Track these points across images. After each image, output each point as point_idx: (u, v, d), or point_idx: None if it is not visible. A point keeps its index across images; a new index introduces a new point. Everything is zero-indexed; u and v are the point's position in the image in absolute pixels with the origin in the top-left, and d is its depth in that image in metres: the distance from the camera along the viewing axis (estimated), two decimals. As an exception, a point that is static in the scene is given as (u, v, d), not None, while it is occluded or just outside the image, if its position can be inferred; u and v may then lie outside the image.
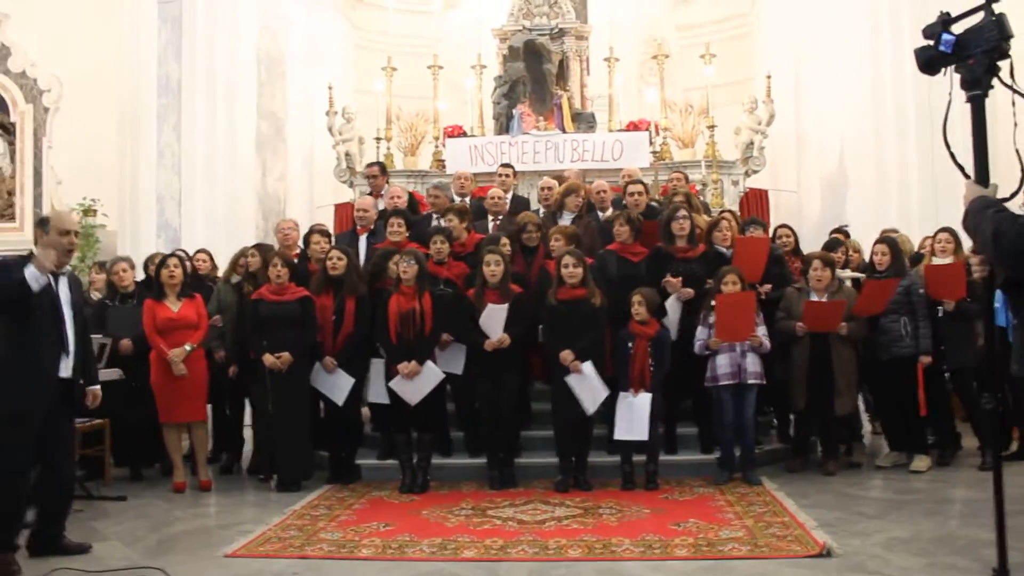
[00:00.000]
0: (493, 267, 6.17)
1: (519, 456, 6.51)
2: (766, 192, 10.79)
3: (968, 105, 2.62)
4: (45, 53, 12.21)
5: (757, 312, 6.18)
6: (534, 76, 10.11)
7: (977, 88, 2.52)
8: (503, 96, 10.24)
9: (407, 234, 7.02)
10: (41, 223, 4.72)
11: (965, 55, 2.54)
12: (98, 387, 5.14)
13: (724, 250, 6.70)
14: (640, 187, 7.55)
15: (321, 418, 6.73)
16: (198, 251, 7.84)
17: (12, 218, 12.34)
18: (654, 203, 7.99)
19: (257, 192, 11.60)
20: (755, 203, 10.38)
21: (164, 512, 5.83)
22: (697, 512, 5.33)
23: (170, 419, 6.48)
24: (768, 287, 6.60)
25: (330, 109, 10.79)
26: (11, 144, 12.54)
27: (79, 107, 12.01)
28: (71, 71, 12.04)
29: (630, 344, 6.06)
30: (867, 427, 7.42)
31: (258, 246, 7.10)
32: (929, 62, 2.71)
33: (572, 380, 5.96)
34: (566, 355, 5.95)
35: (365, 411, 7.07)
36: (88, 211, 11.49)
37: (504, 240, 6.63)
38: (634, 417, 6.00)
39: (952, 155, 2.69)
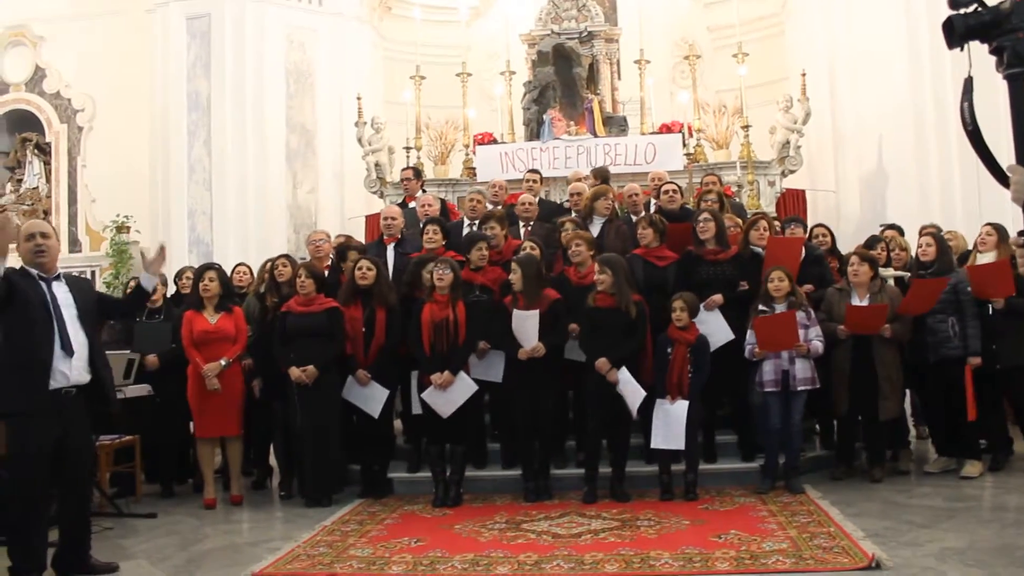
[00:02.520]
0: (511, 274, 6.05)
1: (561, 467, 6.33)
2: (803, 192, 10.56)
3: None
4: (79, 73, 12.41)
5: (808, 315, 5.96)
6: (564, 80, 9.98)
7: (1020, 66, 2.32)
8: (533, 102, 10.13)
9: (443, 242, 6.92)
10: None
11: (1010, 27, 2.34)
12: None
13: (761, 250, 6.51)
14: (674, 186, 7.39)
15: (352, 431, 6.63)
16: (238, 264, 7.78)
17: (48, 237, 12.44)
18: (688, 207, 7.81)
19: (288, 205, 11.61)
20: (792, 204, 10.14)
21: (193, 529, 5.75)
22: (739, 523, 5.13)
23: (204, 434, 6.40)
24: (809, 287, 6.40)
25: (359, 120, 10.75)
26: (47, 164, 12.72)
27: (112, 125, 12.17)
28: (104, 90, 12.23)
29: (669, 350, 5.89)
30: (913, 432, 7.16)
31: (287, 257, 7.01)
32: (970, 31, 2.47)
33: (618, 387, 5.81)
34: (602, 363, 5.79)
35: (397, 423, 6.97)
36: (121, 228, 11.62)
37: (529, 245, 6.49)
38: (671, 425, 5.82)
39: (978, 144, 2.45)
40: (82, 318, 4.67)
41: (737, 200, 8.65)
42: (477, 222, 7.27)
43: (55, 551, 4.65)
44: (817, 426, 6.98)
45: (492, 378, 6.23)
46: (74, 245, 12.33)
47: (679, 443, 5.81)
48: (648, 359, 6.03)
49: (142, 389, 6.38)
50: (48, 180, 12.68)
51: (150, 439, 6.79)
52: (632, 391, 5.80)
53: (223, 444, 6.52)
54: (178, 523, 5.93)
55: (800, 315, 5.87)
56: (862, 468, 6.29)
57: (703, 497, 5.82)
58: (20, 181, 12.83)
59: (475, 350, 6.19)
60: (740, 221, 7.08)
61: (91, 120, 12.42)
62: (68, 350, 4.55)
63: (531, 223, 7.60)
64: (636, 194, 7.72)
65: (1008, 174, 2.35)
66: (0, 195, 12.75)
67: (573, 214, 7.71)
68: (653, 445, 5.91)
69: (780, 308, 5.91)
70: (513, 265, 6.09)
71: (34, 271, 4.60)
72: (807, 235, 7.08)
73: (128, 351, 6.30)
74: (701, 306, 6.18)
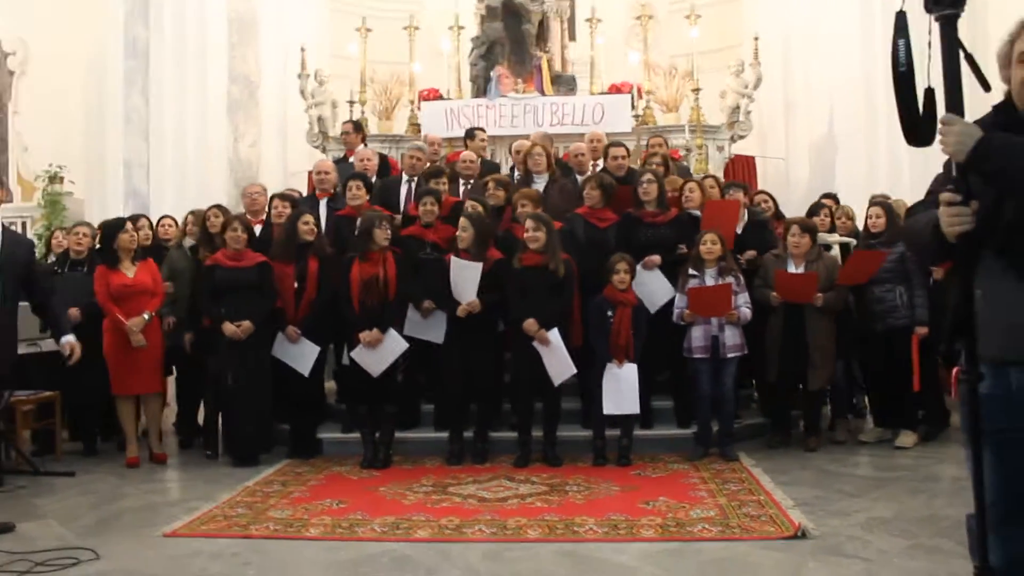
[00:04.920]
0: (460, 231, 5.87)
1: (497, 430, 6.19)
2: (753, 159, 10.46)
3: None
4: (10, 15, 11.79)
5: (739, 283, 5.88)
6: (513, 37, 9.71)
7: (952, 7, 2.16)
8: (480, 58, 9.86)
9: (367, 198, 6.72)
10: None
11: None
12: (71, 337, 4.92)
13: (698, 213, 6.41)
14: (623, 150, 7.25)
15: (283, 390, 6.43)
16: (163, 217, 7.51)
17: (-26, 186, 11.97)
18: (635, 169, 7.67)
19: (229, 158, 11.25)
20: (742, 170, 10.03)
21: (112, 488, 5.54)
22: (669, 490, 5.05)
23: (124, 391, 6.17)
24: (751, 253, 6.32)
25: (302, 72, 10.40)
26: (-24, 110, 12.17)
27: (45, 71, 11.62)
28: (37, 33, 11.64)
29: (610, 313, 5.76)
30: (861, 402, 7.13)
31: (219, 207, 6.75)
32: None
33: (540, 350, 5.66)
34: (530, 324, 5.64)
35: (331, 384, 6.79)
36: (54, 178, 11.16)
37: (474, 204, 6.30)
38: (623, 389, 5.71)
39: (906, 88, 2.26)
40: (3, 279, 4.42)
41: (684, 164, 8.51)
42: (424, 177, 7.04)
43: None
44: (756, 393, 6.94)
45: (433, 338, 6.05)
46: (5, 195, 11.83)
47: (633, 407, 5.72)
48: (576, 322, 5.92)
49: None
50: (-22, 126, 12.13)
51: (72, 396, 6.53)
52: (559, 356, 5.66)
53: (143, 401, 6.28)
54: (97, 482, 5.72)
55: (731, 281, 5.77)
56: (799, 437, 6.25)
57: (636, 463, 5.74)
58: (-53, 127, 12.27)
59: (418, 308, 6.02)
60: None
61: (23, 64, 11.85)
62: None
63: (471, 181, 7.43)
64: (582, 153, 7.54)
65: (940, 124, 2.20)
66: (-75, 140, 12.18)
67: (517, 175, 7.55)
68: (606, 411, 5.76)
69: (711, 272, 5.81)
70: (463, 221, 5.89)
71: None
72: (750, 201, 6.98)
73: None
74: (639, 266, 6.08)
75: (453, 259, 5.81)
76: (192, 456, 6.52)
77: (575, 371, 5.76)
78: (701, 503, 4.74)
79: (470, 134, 8.19)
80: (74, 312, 6.22)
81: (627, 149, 7.43)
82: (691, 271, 5.83)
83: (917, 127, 2.29)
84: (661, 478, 5.41)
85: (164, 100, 10.62)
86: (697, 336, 5.78)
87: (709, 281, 5.76)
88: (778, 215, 7.03)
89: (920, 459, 5.73)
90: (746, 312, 5.80)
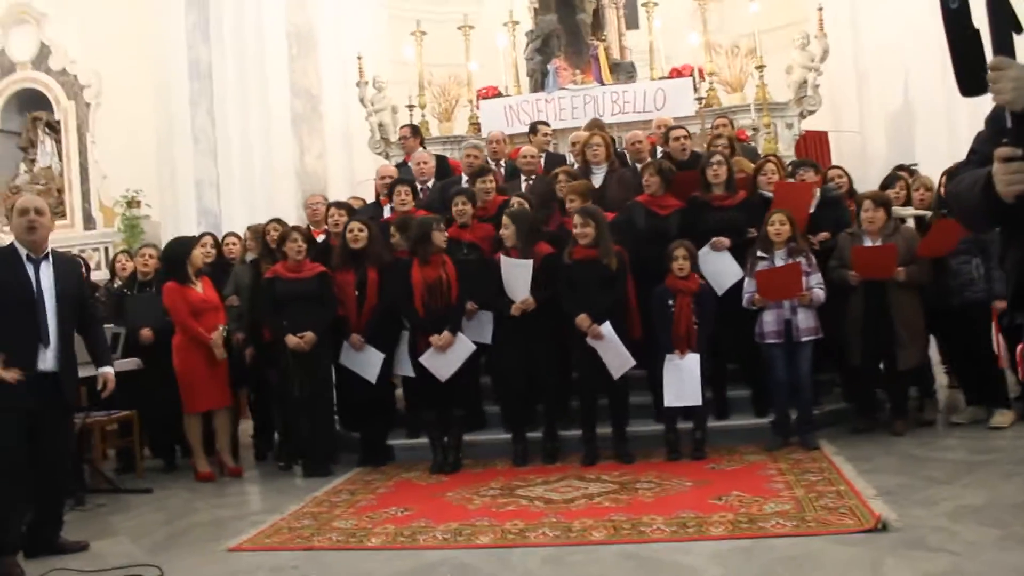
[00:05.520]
0: (503, 229, 5.75)
1: (566, 428, 6.03)
2: (825, 134, 10.04)
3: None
4: (83, 48, 12.17)
5: (810, 263, 5.61)
6: (568, 28, 9.54)
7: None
8: (536, 51, 9.72)
9: (412, 203, 6.67)
10: (9, 210, 4.43)
11: None
12: (109, 370, 4.88)
13: (770, 195, 6.14)
14: (683, 131, 7.03)
15: (352, 398, 6.42)
16: (227, 234, 7.60)
17: (63, 215, 12.38)
18: (700, 153, 7.43)
19: (296, 171, 11.34)
20: (814, 146, 9.65)
21: (184, 504, 5.59)
22: (743, 483, 4.82)
23: (195, 408, 6.23)
24: (825, 235, 6.03)
25: (360, 80, 10.44)
26: (58, 142, 12.59)
27: (118, 100, 11.94)
28: (109, 64, 11.98)
29: (670, 302, 5.57)
30: (942, 381, 6.76)
31: (278, 221, 6.77)
32: None
33: (595, 345, 5.50)
34: (582, 319, 5.49)
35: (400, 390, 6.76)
36: (132, 203, 11.45)
37: (517, 200, 6.17)
38: (684, 380, 5.51)
39: (960, 29, 2.01)
40: (61, 304, 4.47)
41: (751, 144, 8.21)
42: (471, 177, 6.96)
43: (25, 531, 4.50)
44: (839, 377, 6.62)
45: (481, 339, 5.96)
46: (88, 222, 12.18)
47: (695, 398, 5.51)
48: (634, 313, 5.73)
49: (131, 363, 6.19)
50: (60, 158, 12.55)
51: (148, 413, 6.65)
52: (615, 350, 5.49)
53: (213, 416, 6.32)
54: (171, 498, 5.79)
55: (801, 261, 5.51)
56: (885, 421, 5.93)
57: (712, 456, 5.54)
58: (34, 161, 12.72)
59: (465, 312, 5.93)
60: (752, 166, 6.70)
61: (98, 96, 12.20)
62: (45, 340, 4.38)
63: (532, 177, 7.30)
64: (639, 141, 7.34)
65: (990, 71, 1.96)
66: (15, 176, 12.65)
67: (576, 167, 7.39)
68: (667, 403, 5.60)
69: (780, 254, 5.55)
70: (504, 219, 5.80)
71: (23, 251, 4.40)
72: (823, 179, 6.66)
73: (113, 325, 6.11)
74: (707, 246, 5.87)
75: (503, 258, 5.70)
76: (266, 469, 6.57)
77: (634, 363, 5.58)
78: (776, 496, 4.51)
79: (533, 129, 8.07)
80: (146, 333, 6.33)
81: (687, 131, 7.19)
82: (759, 253, 5.59)
83: (974, 73, 2.05)
84: (736, 471, 5.18)
85: (229, 119, 10.77)
86: (769, 321, 5.53)
87: (778, 263, 5.52)
88: (851, 192, 6.69)
89: (1017, 440, 5.36)
90: (819, 293, 5.53)
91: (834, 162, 9.14)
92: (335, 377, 6.31)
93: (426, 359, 5.76)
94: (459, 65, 10.70)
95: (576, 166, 7.35)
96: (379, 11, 12.38)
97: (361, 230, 6.20)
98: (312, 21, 11.60)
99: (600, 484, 5.11)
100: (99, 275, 9.42)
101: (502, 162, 7.90)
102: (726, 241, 5.92)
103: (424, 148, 8.60)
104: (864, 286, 5.63)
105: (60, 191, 12.41)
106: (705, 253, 5.95)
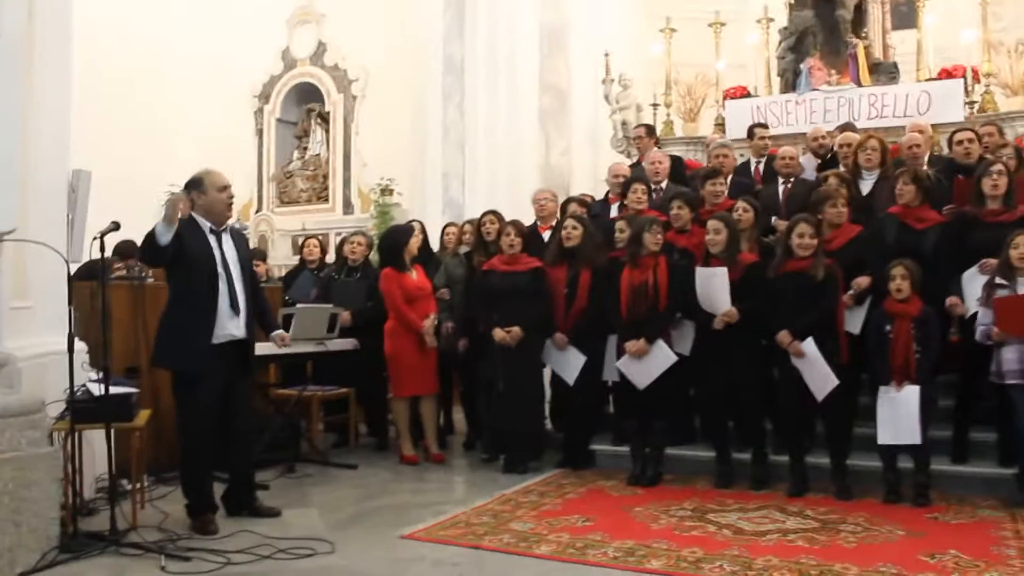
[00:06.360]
0: (713, 234, 5.40)
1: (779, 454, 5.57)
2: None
3: None
4: (354, 46, 13.02)
5: None
6: (825, 25, 8.87)
7: None
8: (789, 50, 9.13)
9: (647, 203, 6.42)
10: (194, 184, 4.65)
11: None
12: (280, 331, 5.13)
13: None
14: (970, 135, 6.29)
15: (559, 398, 6.35)
16: (447, 224, 7.74)
17: (326, 199, 13.32)
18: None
19: (540, 167, 11.42)
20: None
21: (382, 484, 5.76)
22: (966, 541, 4.20)
23: (401, 392, 6.39)
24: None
25: (606, 77, 10.32)
26: (326, 132, 13.55)
27: (380, 94, 12.71)
28: (375, 60, 12.74)
29: (887, 327, 5.00)
30: None
31: (494, 213, 6.81)
32: None
33: (798, 364, 5.04)
34: (783, 336, 5.05)
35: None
36: (385, 191, 12.08)
37: (743, 206, 5.79)
38: (900, 416, 4.93)
39: None
40: (244, 273, 4.72)
41: (1029, 155, 7.20)
42: (702, 178, 6.62)
43: (224, 491, 4.79)
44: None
45: (680, 350, 5.65)
46: (347, 207, 13.04)
47: (913, 437, 4.91)
48: (842, 335, 5.19)
49: (348, 343, 6.46)
50: (327, 147, 13.49)
51: (364, 393, 6.93)
52: (818, 369, 5.00)
53: (421, 402, 6.45)
54: (372, 476, 5.98)
55: None
56: None
57: (938, 504, 4.90)
58: (306, 149, 13.76)
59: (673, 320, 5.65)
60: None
61: (363, 89, 13.03)
62: (236, 308, 4.62)
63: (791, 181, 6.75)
64: (917, 144, 6.51)
65: None
66: (288, 162, 13.76)
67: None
68: (881, 441, 5.04)
69: (1023, 280, 4.79)
70: (714, 224, 5.45)
71: (206, 223, 4.65)
72: None
73: (331, 306, 6.40)
74: (974, 267, 5.19)
75: (698, 269, 5.37)
76: (472, 459, 6.63)
77: (837, 383, 5.06)
78: (1003, 563, 3.88)
79: (750, 132, 7.58)
80: (345, 317, 6.54)
81: (975, 134, 6.40)
82: (998, 280, 4.86)
83: None
84: (962, 525, 4.54)
85: (479, 113, 11.04)
86: (1010, 359, 4.79)
87: (1021, 291, 4.77)
88: None
89: None
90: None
91: None
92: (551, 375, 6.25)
93: (623, 365, 5.56)
94: (708, 64, 10.30)
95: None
96: (632, 7, 12.19)
97: (575, 228, 6.09)
98: (565, 18, 11.61)
99: (800, 519, 4.66)
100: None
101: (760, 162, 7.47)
102: (992, 262, 5.18)
103: (659, 148, 8.34)
104: None
105: (325, 177, 13.36)
106: (971, 275, 5.25)
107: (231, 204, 4.81)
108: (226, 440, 4.67)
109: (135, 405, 4.70)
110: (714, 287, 5.32)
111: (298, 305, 6.44)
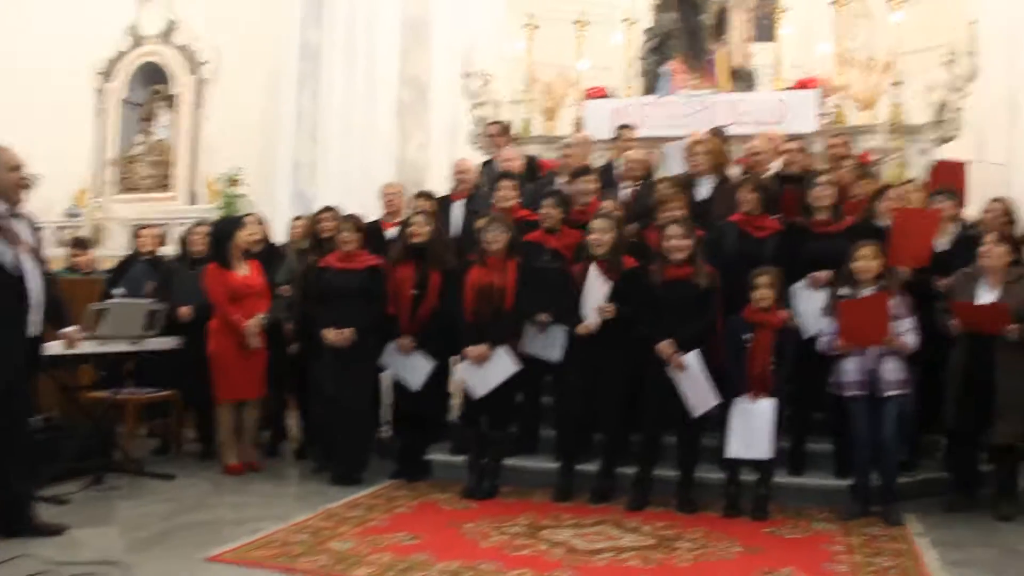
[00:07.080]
0: (597, 234, 5.13)
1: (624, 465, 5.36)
2: (963, 164, 8.92)
3: None
4: (207, 25, 12.28)
5: (906, 305, 4.81)
6: (688, 29, 8.83)
7: None
8: (651, 51, 9.05)
9: (518, 200, 6.14)
10: None
11: None
12: (73, 328, 4.66)
13: (884, 224, 5.35)
14: (797, 144, 6.36)
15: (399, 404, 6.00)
16: (295, 218, 7.31)
17: (170, 187, 12.52)
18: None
19: (396, 160, 11.03)
20: (947, 178, 8.57)
21: (198, 497, 5.27)
22: (801, 557, 4.10)
23: (228, 396, 5.91)
24: (948, 281, 5.15)
25: (468, 72, 10.02)
26: (174, 115, 12.76)
27: (231, 78, 12.07)
28: (228, 42, 12.06)
29: (747, 336, 4.87)
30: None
31: (330, 208, 6.41)
32: None
33: (676, 376, 4.86)
34: (665, 346, 4.85)
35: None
36: (232, 180, 11.43)
37: (613, 206, 5.59)
38: (754, 429, 4.81)
39: None
40: (41, 266, 4.23)
41: (872, 169, 7.30)
42: (573, 176, 6.40)
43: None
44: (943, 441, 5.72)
45: (550, 356, 5.38)
46: (193, 197, 12.30)
47: (763, 451, 4.80)
48: (721, 345, 5.04)
49: (171, 342, 5.93)
50: (174, 132, 12.69)
51: (188, 396, 6.40)
52: (699, 384, 4.84)
53: (243, 407, 5.99)
54: (189, 488, 5.51)
55: (892, 301, 4.70)
56: (989, 500, 5.03)
57: (776, 517, 4.81)
58: (151, 133, 12.92)
59: (533, 321, 5.37)
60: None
61: (215, 72, 12.32)
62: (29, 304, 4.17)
63: (639, 184, 6.58)
64: (758, 152, 6.47)
65: None
66: (131, 146, 12.88)
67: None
68: (730, 454, 4.91)
69: (866, 292, 4.76)
70: (601, 223, 5.18)
71: (2, 207, 4.15)
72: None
73: (151, 300, 5.87)
74: (801, 282, 5.15)
75: (592, 268, 5.10)
76: (302, 468, 6.20)
77: (716, 402, 4.91)
78: (834, 581, 3.78)
79: (616, 133, 7.46)
80: (184, 311, 6.06)
81: (802, 144, 6.45)
82: (840, 291, 4.81)
83: None
84: (797, 540, 4.45)
85: (334, 102, 10.60)
86: (850, 369, 4.75)
87: (865, 299, 4.73)
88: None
89: None
90: (911, 339, 4.71)
91: (973, 196, 8.09)
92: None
93: (462, 370, 5.26)
94: (572, 64, 10.14)
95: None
96: (498, 3, 11.94)
97: (423, 224, 5.75)
98: (428, 10, 11.27)
99: (637, 536, 4.47)
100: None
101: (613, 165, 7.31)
102: (824, 276, 5.15)
103: (514, 145, 8.11)
104: (969, 340, 4.77)
105: (170, 164, 12.56)
106: (799, 288, 5.24)
107: (25, 186, 4.29)
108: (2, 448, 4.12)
109: None
110: (597, 288, 5.06)
111: (111, 299, 5.87)
